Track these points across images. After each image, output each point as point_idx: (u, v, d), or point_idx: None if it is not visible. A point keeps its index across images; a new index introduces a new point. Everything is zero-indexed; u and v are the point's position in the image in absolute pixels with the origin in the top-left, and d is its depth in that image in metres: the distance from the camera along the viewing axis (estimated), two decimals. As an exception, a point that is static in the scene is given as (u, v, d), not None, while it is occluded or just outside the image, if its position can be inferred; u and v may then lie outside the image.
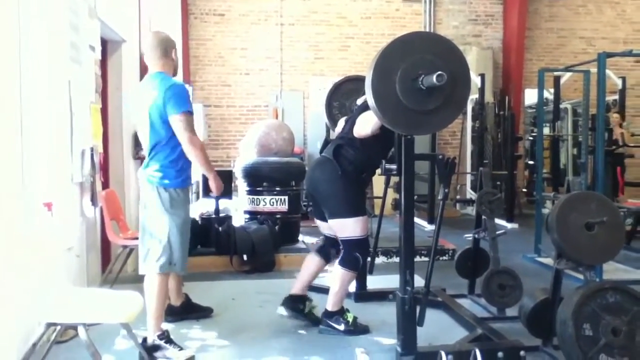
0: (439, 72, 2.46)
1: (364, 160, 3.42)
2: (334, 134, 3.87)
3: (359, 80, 4.06)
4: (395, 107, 2.62)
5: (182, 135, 3.14)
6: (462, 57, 2.74)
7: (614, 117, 8.43)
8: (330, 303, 3.54)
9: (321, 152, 3.69)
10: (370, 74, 2.61)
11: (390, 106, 2.62)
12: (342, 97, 4.34)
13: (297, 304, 3.63)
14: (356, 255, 3.44)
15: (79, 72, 3.94)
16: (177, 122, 3.13)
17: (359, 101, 3.68)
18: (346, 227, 3.42)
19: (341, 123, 3.71)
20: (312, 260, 3.70)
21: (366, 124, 3.28)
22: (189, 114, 3.16)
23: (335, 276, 3.51)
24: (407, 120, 2.66)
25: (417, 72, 2.58)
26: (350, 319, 3.53)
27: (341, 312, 3.56)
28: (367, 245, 3.52)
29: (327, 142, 3.71)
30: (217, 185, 3.38)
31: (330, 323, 3.54)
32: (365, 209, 3.61)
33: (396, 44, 2.64)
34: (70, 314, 2.57)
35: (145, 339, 3.18)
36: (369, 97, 2.69)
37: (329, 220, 3.51)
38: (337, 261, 3.51)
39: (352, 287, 3.97)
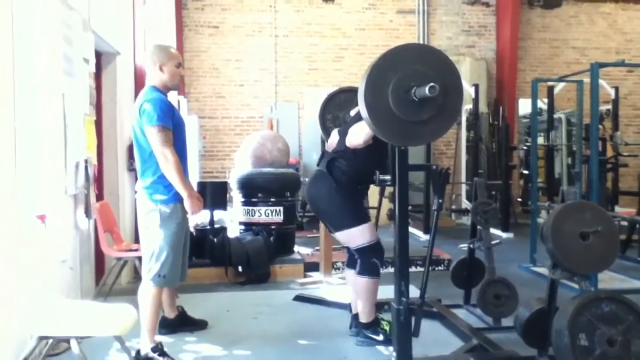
0: (432, 84, 2.46)
1: (357, 170, 3.41)
2: (327, 145, 3.86)
3: (351, 92, 4.06)
4: (389, 119, 2.62)
5: (155, 149, 3.14)
6: (454, 67, 2.75)
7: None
8: (363, 315, 3.50)
9: (318, 165, 3.69)
10: (363, 87, 2.61)
11: (384, 118, 2.63)
12: (336, 108, 4.34)
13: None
14: (373, 261, 3.39)
15: (73, 84, 3.93)
16: (149, 135, 3.14)
17: (352, 112, 3.68)
18: (354, 237, 3.41)
19: (334, 135, 3.70)
20: (350, 276, 3.65)
21: (358, 135, 3.28)
22: (163, 127, 3.12)
23: (359, 288, 3.46)
24: (401, 131, 2.66)
25: (409, 83, 2.58)
26: (387, 328, 3.47)
27: (376, 322, 3.52)
28: (381, 248, 3.45)
29: (323, 155, 3.71)
30: (192, 204, 3.18)
31: (369, 335, 3.50)
32: (367, 216, 3.58)
33: (387, 57, 2.64)
34: (63, 327, 2.56)
35: (138, 352, 3.17)
36: (362, 109, 2.69)
37: (336, 234, 3.50)
38: (356, 272, 3.44)
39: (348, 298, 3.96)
